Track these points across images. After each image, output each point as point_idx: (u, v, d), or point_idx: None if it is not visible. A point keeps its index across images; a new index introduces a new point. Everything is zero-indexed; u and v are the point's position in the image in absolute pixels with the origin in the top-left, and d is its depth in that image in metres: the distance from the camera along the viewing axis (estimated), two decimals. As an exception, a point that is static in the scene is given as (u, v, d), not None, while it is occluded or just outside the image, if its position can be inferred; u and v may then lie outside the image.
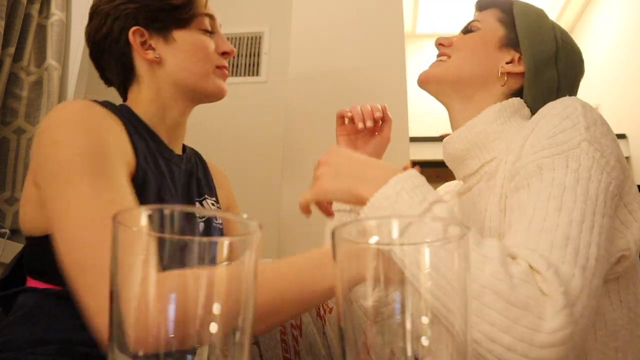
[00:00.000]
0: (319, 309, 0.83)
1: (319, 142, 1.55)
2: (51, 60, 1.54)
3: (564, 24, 3.14)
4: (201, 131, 1.40)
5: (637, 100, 2.41)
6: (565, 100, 0.73)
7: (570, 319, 0.50)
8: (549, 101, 0.87)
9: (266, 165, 1.82)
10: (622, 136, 2.48)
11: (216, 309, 0.30)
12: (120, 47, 0.90)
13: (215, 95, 0.96)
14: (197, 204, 0.94)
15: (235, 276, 0.31)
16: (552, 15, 3.08)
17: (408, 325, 0.31)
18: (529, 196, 0.65)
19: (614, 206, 0.65)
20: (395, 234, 0.33)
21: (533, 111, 0.88)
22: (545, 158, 0.66)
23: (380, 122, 0.99)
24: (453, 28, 3.14)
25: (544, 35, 0.89)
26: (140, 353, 0.28)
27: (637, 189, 0.71)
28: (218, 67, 0.95)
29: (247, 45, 2.03)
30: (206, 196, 0.97)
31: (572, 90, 0.92)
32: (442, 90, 0.92)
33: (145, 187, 0.78)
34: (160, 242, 0.29)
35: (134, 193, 0.71)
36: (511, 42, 0.90)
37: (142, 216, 0.29)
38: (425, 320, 0.31)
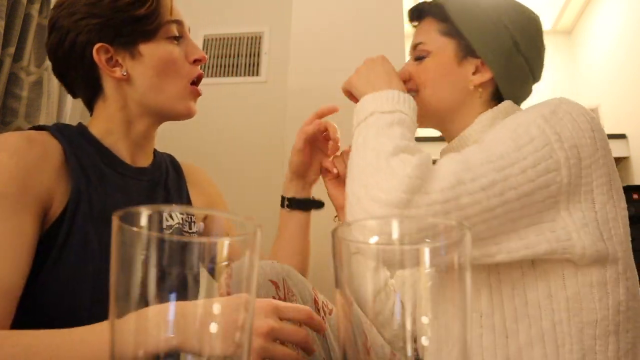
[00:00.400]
0: (318, 310, 0.82)
1: (319, 142, 1.56)
2: (51, 60, 1.54)
3: (564, 24, 3.15)
4: (201, 131, 1.40)
5: (637, 100, 2.41)
6: (554, 98, 0.74)
7: None
8: (525, 83, 0.90)
9: (266, 165, 1.82)
10: (622, 136, 2.48)
11: (216, 309, 0.30)
12: (85, 65, 0.85)
13: (182, 117, 0.92)
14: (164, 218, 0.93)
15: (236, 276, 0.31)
16: (552, 16, 3.09)
17: (408, 325, 0.31)
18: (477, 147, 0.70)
19: (545, 183, 0.66)
20: (395, 235, 0.33)
21: (518, 99, 0.90)
22: (497, 129, 0.71)
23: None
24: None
25: (494, 29, 0.86)
26: (140, 353, 0.28)
27: (604, 182, 0.71)
28: (192, 83, 0.91)
29: (247, 45, 2.03)
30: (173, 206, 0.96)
31: (541, 57, 0.90)
32: (426, 122, 0.92)
33: (78, 209, 0.77)
34: (160, 243, 0.29)
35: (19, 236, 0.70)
36: (466, 51, 0.87)
37: (143, 216, 0.29)
38: (425, 320, 0.31)
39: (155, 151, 1.00)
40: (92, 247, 0.76)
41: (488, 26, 0.86)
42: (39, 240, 0.75)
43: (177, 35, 0.89)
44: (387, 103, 0.78)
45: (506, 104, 0.87)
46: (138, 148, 0.92)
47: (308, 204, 1.04)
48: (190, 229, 0.93)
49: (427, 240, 0.33)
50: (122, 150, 0.90)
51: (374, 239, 0.33)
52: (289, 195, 1.03)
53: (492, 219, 0.65)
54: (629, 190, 2.10)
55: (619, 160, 2.51)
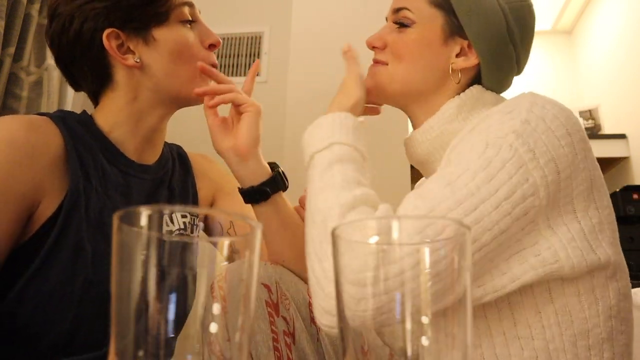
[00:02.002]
0: (312, 314, 0.80)
1: (319, 142, 1.56)
2: (51, 60, 1.54)
3: (564, 24, 3.15)
4: (201, 131, 1.40)
5: (637, 100, 2.41)
6: (519, 97, 0.66)
7: None
8: (510, 74, 0.82)
9: (266, 165, 1.82)
10: (622, 136, 2.48)
11: (216, 309, 0.30)
12: (94, 53, 0.79)
13: (199, 101, 0.86)
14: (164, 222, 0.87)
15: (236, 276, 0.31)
16: (552, 16, 3.09)
17: (408, 326, 0.31)
18: (437, 173, 0.63)
19: (523, 211, 0.59)
20: (395, 234, 0.33)
21: (496, 90, 0.81)
22: (466, 142, 0.63)
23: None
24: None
25: (489, 9, 0.77)
26: (140, 353, 0.28)
27: (584, 187, 0.64)
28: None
29: (247, 45, 2.03)
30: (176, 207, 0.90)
31: (528, 49, 0.84)
32: (394, 102, 0.83)
33: (73, 212, 0.72)
34: (160, 243, 0.29)
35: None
36: (455, 28, 0.77)
37: (143, 216, 0.29)
38: (425, 320, 0.31)
39: (165, 144, 0.94)
40: (85, 255, 0.72)
41: (483, 5, 0.77)
42: (22, 244, 0.70)
43: (190, 19, 0.84)
44: (320, 136, 0.70)
45: (474, 90, 0.77)
46: (147, 143, 0.87)
47: (251, 195, 0.83)
48: (192, 233, 0.89)
49: (427, 240, 0.33)
50: (128, 145, 0.84)
51: (374, 239, 0.33)
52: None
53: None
54: (629, 190, 2.10)
55: (618, 160, 2.51)
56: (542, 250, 0.62)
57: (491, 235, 0.58)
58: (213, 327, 0.30)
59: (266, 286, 0.74)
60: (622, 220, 2.08)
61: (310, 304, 0.79)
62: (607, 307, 0.66)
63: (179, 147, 1.02)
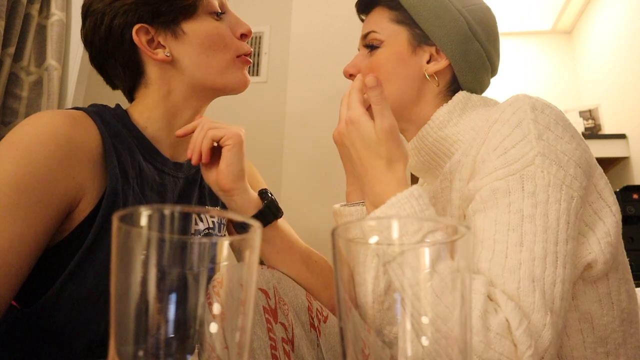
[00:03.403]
0: (312, 319, 0.78)
1: (319, 142, 1.55)
2: (51, 60, 1.54)
3: (564, 24, 3.15)
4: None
5: (637, 100, 2.41)
6: (515, 103, 0.67)
7: None
8: (484, 72, 0.84)
9: (266, 165, 1.82)
10: (622, 136, 2.48)
11: (216, 309, 0.30)
12: (125, 50, 0.80)
13: (236, 90, 0.85)
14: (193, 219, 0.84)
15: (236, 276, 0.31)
16: (552, 16, 3.09)
17: (408, 326, 0.31)
18: (486, 222, 0.62)
19: (579, 219, 0.62)
20: (395, 235, 0.33)
21: (476, 91, 0.84)
22: (499, 180, 0.63)
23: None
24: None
25: (448, 14, 0.81)
26: (140, 353, 0.28)
27: (605, 183, 0.68)
28: (238, 55, 0.85)
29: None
30: (207, 207, 0.89)
31: (497, 46, 0.86)
32: None
33: (112, 212, 0.68)
34: (160, 242, 0.29)
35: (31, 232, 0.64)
36: (421, 38, 0.81)
37: (143, 216, 0.29)
38: (425, 320, 0.31)
39: None
40: None
41: (441, 10, 0.81)
42: (58, 243, 0.70)
43: (219, 10, 0.84)
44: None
45: (460, 95, 0.80)
46: (182, 140, 0.85)
47: (244, 229, 0.88)
48: (219, 232, 0.87)
49: (427, 240, 0.33)
50: (163, 142, 0.83)
51: (374, 239, 0.33)
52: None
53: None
54: (629, 190, 2.10)
55: (618, 160, 2.52)
56: (578, 247, 0.64)
57: (566, 249, 0.60)
58: (213, 328, 0.30)
59: (263, 291, 0.72)
60: (622, 220, 2.07)
61: (309, 308, 0.78)
62: (621, 310, 0.67)
63: None
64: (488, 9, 0.86)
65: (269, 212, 0.78)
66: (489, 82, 0.88)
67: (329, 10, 1.66)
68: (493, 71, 0.88)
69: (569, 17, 3.10)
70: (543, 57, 3.14)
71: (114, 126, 0.78)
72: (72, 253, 0.69)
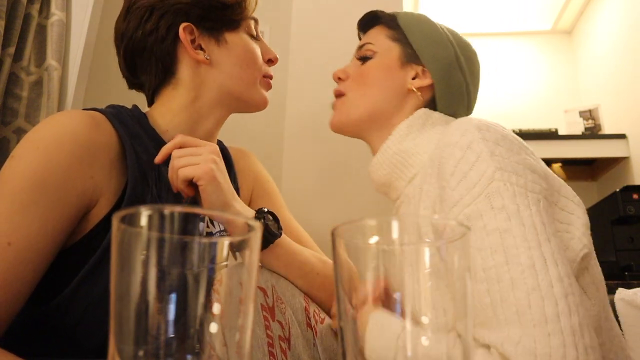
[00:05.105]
0: (309, 319, 0.79)
1: (319, 143, 1.56)
2: (51, 60, 1.54)
3: (564, 24, 3.15)
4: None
5: (637, 100, 2.41)
6: (460, 126, 0.70)
7: None
8: (460, 102, 0.89)
9: (266, 166, 1.82)
10: (622, 136, 2.48)
11: (216, 309, 0.30)
12: (165, 46, 0.82)
13: (258, 106, 0.91)
14: (204, 224, 0.85)
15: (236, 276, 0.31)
16: (552, 16, 3.09)
17: (407, 326, 0.31)
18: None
19: (552, 219, 0.64)
20: (395, 234, 0.33)
21: (452, 115, 0.87)
22: (467, 207, 0.64)
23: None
24: (453, 27, 3.15)
25: (440, 42, 0.88)
26: (140, 353, 0.28)
27: (560, 184, 0.71)
28: (265, 76, 0.91)
29: (247, 45, 2.03)
30: (208, 209, 0.90)
31: (477, 85, 0.92)
32: (361, 131, 0.89)
33: None
34: (160, 242, 0.29)
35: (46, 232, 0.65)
36: (411, 57, 0.88)
37: (143, 216, 0.29)
38: (425, 320, 0.31)
39: None
40: None
41: (434, 36, 0.89)
42: (75, 243, 0.70)
43: (255, 35, 0.90)
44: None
45: (421, 112, 0.85)
46: None
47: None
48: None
49: (427, 240, 0.33)
50: None
51: (374, 239, 0.33)
52: None
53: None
54: (629, 190, 2.10)
55: (618, 160, 2.52)
56: (568, 240, 0.66)
57: (559, 257, 0.60)
58: (213, 328, 0.30)
59: (262, 289, 0.73)
60: (622, 220, 2.07)
61: (306, 309, 0.79)
62: (599, 300, 0.68)
63: (219, 142, 1.01)
64: (475, 53, 0.93)
65: (265, 235, 0.77)
66: (461, 114, 0.91)
67: (329, 10, 1.66)
68: (468, 108, 0.92)
69: (569, 17, 3.10)
70: (543, 57, 3.14)
71: (132, 128, 0.79)
72: (88, 255, 0.69)
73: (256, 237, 0.32)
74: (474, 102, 0.93)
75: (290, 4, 1.69)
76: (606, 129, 2.65)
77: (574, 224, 0.67)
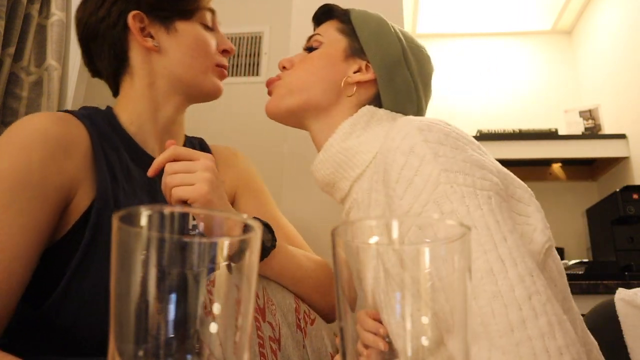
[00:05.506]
0: (299, 320, 0.79)
1: (319, 142, 1.56)
2: (51, 60, 1.54)
3: (564, 24, 3.15)
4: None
5: (637, 100, 2.41)
6: (401, 129, 0.67)
7: None
8: (408, 101, 0.87)
9: (266, 166, 1.82)
10: (622, 136, 2.48)
11: (216, 309, 0.30)
12: (116, 32, 0.85)
13: (210, 95, 0.92)
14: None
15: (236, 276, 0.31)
16: (552, 16, 3.09)
17: (408, 326, 0.31)
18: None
19: (507, 213, 0.61)
20: (395, 234, 0.33)
21: (399, 112, 0.85)
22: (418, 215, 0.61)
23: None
24: (453, 27, 3.15)
25: (387, 38, 0.87)
26: (140, 353, 0.28)
27: (513, 177, 0.69)
28: (218, 65, 0.92)
29: (247, 45, 2.03)
30: (208, 209, 0.91)
31: (427, 87, 0.90)
32: (296, 119, 0.88)
33: (104, 211, 0.73)
34: (160, 242, 0.29)
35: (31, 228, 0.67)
36: (356, 51, 0.87)
37: (142, 216, 0.29)
38: (425, 320, 0.31)
39: (186, 137, 0.96)
40: None
41: (382, 33, 0.87)
42: (61, 240, 0.72)
43: (210, 25, 0.91)
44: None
45: (364, 109, 0.83)
46: (168, 135, 0.89)
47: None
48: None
49: (427, 240, 0.33)
50: (150, 139, 0.87)
51: (374, 239, 0.33)
52: None
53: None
54: (629, 190, 2.10)
55: (618, 160, 2.51)
56: (531, 232, 0.64)
57: (519, 253, 0.57)
58: (213, 328, 0.30)
59: None
60: (622, 220, 2.07)
61: (297, 310, 0.80)
62: (562, 290, 0.67)
63: (200, 140, 1.03)
64: (428, 57, 0.92)
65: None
66: (409, 113, 0.88)
67: (329, 10, 1.66)
68: (419, 108, 0.89)
69: (569, 17, 3.10)
70: (543, 57, 3.14)
71: (102, 128, 0.81)
72: (73, 252, 0.71)
73: (256, 238, 0.31)
74: (426, 105, 0.92)
75: (290, 4, 1.69)
76: (606, 129, 2.65)
77: (533, 216, 0.65)
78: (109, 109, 0.87)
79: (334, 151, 0.82)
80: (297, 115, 0.87)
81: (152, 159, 0.83)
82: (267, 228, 0.78)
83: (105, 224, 0.73)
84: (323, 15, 0.95)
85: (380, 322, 0.44)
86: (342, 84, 0.85)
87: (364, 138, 0.80)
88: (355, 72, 0.86)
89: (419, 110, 0.90)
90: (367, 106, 0.84)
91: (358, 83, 0.85)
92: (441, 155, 0.63)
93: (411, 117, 0.71)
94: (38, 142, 0.70)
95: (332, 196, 0.88)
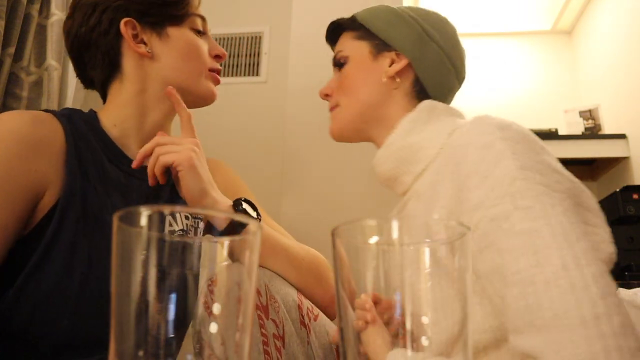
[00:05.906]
0: (303, 317, 0.79)
1: (319, 143, 1.56)
2: (51, 60, 1.54)
3: (564, 24, 3.15)
4: (200, 131, 1.41)
5: (637, 100, 2.41)
6: (478, 125, 0.69)
7: None
8: (447, 75, 0.88)
9: (266, 166, 1.82)
10: (622, 136, 2.48)
11: (216, 309, 0.30)
12: (108, 40, 0.85)
13: (205, 99, 0.92)
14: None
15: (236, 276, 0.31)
16: (552, 16, 3.09)
17: (408, 326, 0.31)
18: (499, 256, 0.60)
19: (579, 217, 0.61)
20: (395, 234, 0.33)
21: (438, 97, 0.87)
22: (491, 208, 0.62)
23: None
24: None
25: (401, 20, 0.88)
26: (140, 353, 0.28)
27: (583, 187, 0.69)
28: (211, 70, 0.92)
29: (247, 45, 2.03)
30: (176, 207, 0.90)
31: (459, 52, 0.91)
32: (360, 132, 0.90)
33: (68, 208, 0.73)
34: (160, 243, 0.29)
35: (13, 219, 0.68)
36: (380, 46, 0.89)
37: (142, 216, 0.29)
38: (425, 320, 0.31)
39: None
40: (80, 253, 0.73)
41: (394, 18, 0.89)
42: (22, 239, 0.71)
43: (201, 30, 0.91)
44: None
45: (424, 104, 0.85)
46: (149, 139, 0.87)
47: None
48: (195, 235, 0.89)
49: (427, 240, 0.33)
50: (132, 144, 0.87)
51: (374, 239, 0.33)
52: None
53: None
54: (629, 190, 2.09)
55: (618, 160, 2.52)
56: (598, 242, 0.61)
57: (591, 257, 0.57)
58: (213, 327, 0.30)
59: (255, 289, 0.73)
60: (622, 220, 2.07)
61: (300, 307, 0.79)
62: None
63: None
64: (444, 19, 0.93)
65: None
66: (457, 85, 0.92)
67: (328, 10, 1.66)
68: (458, 74, 0.91)
69: (569, 17, 3.10)
70: (543, 57, 3.14)
71: (80, 128, 0.82)
72: (33, 250, 0.71)
73: (256, 237, 0.31)
74: (462, 67, 0.92)
75: (290, 4, 1.69)
76: (606, 129, 2.65)
77: (602, 227, 0.64)
78: (92, 111, 0.88)
79: (395, 147, 0.83)
80: (359, 128, 0.89)
81: (130, 160, 0.84)
82: (251, 205, 0.80)
83: (68, 223, 0.73)
84: (333, 33, 0.97)
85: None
86: (384, 80, 0.87)
87: (427, 134, 0.81)
88: (390, 66, 0.87)
89: (459, 77, 0.91)
90: (426, 101, 0.85)
91: (397, 73, 0.86)
92: (518, 153, 0.64)
93: (487, 114, 0.72)
94: (8, 140, 0.71)
95: (393, 190, 0.89)
